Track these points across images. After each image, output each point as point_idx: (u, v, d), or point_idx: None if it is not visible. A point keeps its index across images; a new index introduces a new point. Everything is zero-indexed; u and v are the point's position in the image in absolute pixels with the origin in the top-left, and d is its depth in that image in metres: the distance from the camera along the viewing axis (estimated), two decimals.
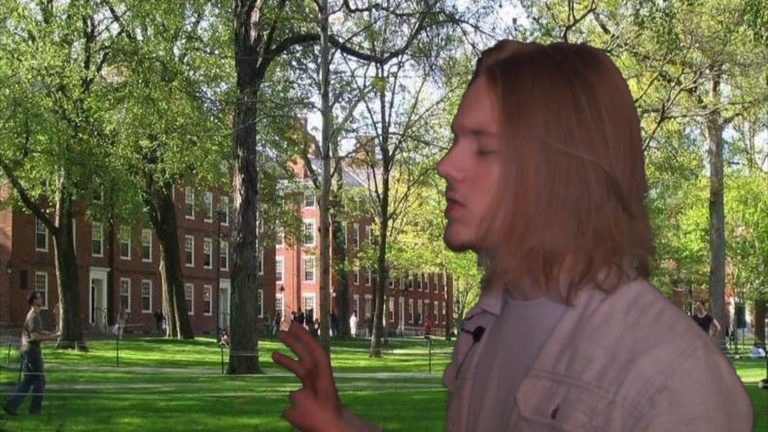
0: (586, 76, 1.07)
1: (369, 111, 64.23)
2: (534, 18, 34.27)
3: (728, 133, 77.95)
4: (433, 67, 37.80)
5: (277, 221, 53.35)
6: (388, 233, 47.01)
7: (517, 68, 1.08)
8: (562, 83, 1.06)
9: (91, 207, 41.53)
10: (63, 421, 13.36)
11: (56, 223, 36.62)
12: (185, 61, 38.79)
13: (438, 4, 34.16)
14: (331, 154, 29.98)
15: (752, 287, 55.17)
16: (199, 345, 43.28)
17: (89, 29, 37.02)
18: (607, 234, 1.06)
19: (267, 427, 13.64)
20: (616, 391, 0.98)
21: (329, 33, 28.69)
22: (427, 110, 47.34)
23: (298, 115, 48.50)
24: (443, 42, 37.35)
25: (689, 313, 63.82)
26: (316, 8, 29.17)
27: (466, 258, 51.34)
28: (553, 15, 34.39)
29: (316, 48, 35.02)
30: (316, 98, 39.01)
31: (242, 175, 26.77)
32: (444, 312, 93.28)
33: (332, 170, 34.76)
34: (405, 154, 47.50)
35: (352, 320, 63.67)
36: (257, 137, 32.20)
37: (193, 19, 41.17)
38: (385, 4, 36.00)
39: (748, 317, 79.85)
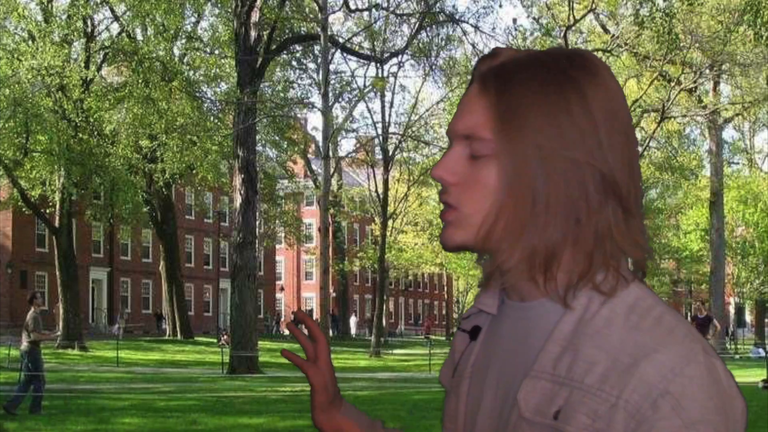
0: (577, 79, 1.09)
1: (369, 111, 64.28)
2: (534, 18, 34.31)
3: (728, 133, 78.02)
4: (433, 67, 37.82)
5: (277, 221, 53.35)
6: (388, 233, 47.01)
7: (509, 74, 1.10)
8: (553, 87, 1.08)
9: (91, 207, 41.52)
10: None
11: (56, 223, 36.62)
12: (185, 61, 38.78)
13: (438, 4, 34.18)
14: (331, 154, 29.99)
15: (752, 287, 55.17)
16: (199, 345, 43.27)
17: (89, 29, 37.01)
18: (607, 235, 1.07)
19: (267, 427, 13.65)
20: (619, 394, 0.99)
21: (329, 33, 28.70)
22: (427, 110, 47.34)
23: (298, 115, 48.53)
24: (443, 42, 37.36)
25: (689, 313, 64.02)
26: (316, 8, 29.17)
27: (466, 258, 51.35)
28: (553, 15, 34.41)
29: (316, 48, 35.02)
30: (316, 98, 39.05)
31: (242, 175, 26.77)
32: (444, 312, 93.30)
33: (332, 170, 34.78)
34: (405, 154, 47.49)
35: (352, 320, 63.67)
36: (257, 137, 32.20)
37: (193, 19, 41.20)
38: (385, 4, 36.03)
39: (748, 317, 79.86)
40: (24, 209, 37.62)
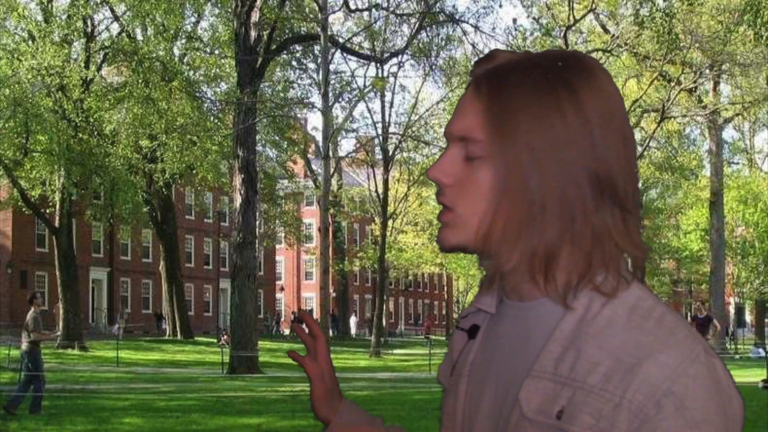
0: (571, 81, 1.10)
1: (369, 111, 64.30)
2: (534, 18, 34.32)
3: (728, 133, 78.05)
4: (433, 67, 37.81)
5: (277, 221, 53.36)
6: (388, 233, 47.00)
7: (502, 77, 1.12)
8: (546, 89, 1.09)
9: (91, 207, 41.52)
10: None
11: (56, 223, 36.61)
12: (185, 61, 38.77)
13: (438, 4, 34.18)
14: (331, 154, 29.99)
15: (752, 287, 55.17)
16: (199, 345, 43.27)
17: (89, 29, 37.00)
18: (605, 235, 1.09)
19: (267, 427, 13.65)
20: (623, 394, 1.01)
21: (329, 33, 28.70)
22: (427, 110, 47.33)
23: (298, 115, 48.53)
24: (443, 42, 37.34)
25: (689, 313, 63.98)
26: (316, 8, 29.18)
27: (466, 258, 51.36)
28: (553, 15, 34.42)
29: (316, 48, 35.03)
30: (316, 98, 39.06)
31: (242, 175, 26.76)
32: (444, 312, 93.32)
33: (332, 170, 34.78)
34: (405, 154, 47.48)
35: (352, 320, 63.66)
36: (257, 137, 32.19)
37: (193, 19, 41.19)
38: (385, 4, 36.03)
39: (748, 317, 79.85)
40: (24, 209, 37.61)
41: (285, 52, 35.26)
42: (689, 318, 43.52)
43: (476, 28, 36.48)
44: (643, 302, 1.08)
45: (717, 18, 33.87)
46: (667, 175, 46.00)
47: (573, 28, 34.22)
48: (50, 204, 37.30)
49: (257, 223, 32.71)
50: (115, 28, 38.93)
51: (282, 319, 69.98)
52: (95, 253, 55.97)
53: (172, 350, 39.74)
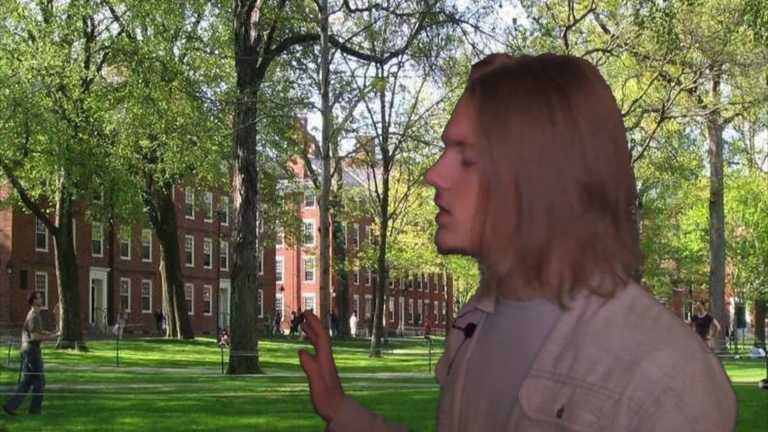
0: (564, 87, 1.11)
1: (369, 111, 64.33)
2: (534, 18, 34.33)
3: (728, 133, 78.05)
4: (433, 67, 37.80)
5: (277, 221, 53.36)
6: (388, 233, 47.00)
7: (496, 82, 1.13)
8: (538, 95, 1.10)
9: (91, 207, 41.52)
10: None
11: (56, 223, 36.61)
12: (185, 61, 38.77)
13: (438, 4, 34.18)
14: (331, 154, 30.00)
15: (752, 287, 55.17)
16: (199, 345, 43.27)
17: (89, 29, 37.00)
18: (591, 241, 1.11)
19: (267, 427, 13.65)
20: (622, 391, 1.02)
21: (329, 33, 28.71)
22: (427, 110, 47.31)
23: (298, 115, 48.54)
24: (443, 42, 37.33)
25: (689, 313, 63.86)
26: (316, 8, 29.19)
27: (466, 258, 51.20)
28: (553, 15, 34.42)
29: (316, 48, 35.03)
30: (316, 98, 39.07)
31: (242, 175, 26.77)
32: (444, 312, 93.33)
33: (332, 170, 34.79)
34: (405, 154, 47.46)
35: (352, 320, 63.66)
36: (257, 137, 32.19)
37: (193, 19, 41.19)
38: (385, 4, 36.03)
39: (748, 317, 79.87)
40: (24, 209, 37.61)
41: (285, 52, 35.27)
42: (689, 318, 43.51)
43: (476, 28, 36.43)
44: (640, 302, 1.10)
45: (717, 18, 33.87)
46: (667, 175, 46.01)
47: (573, 28, 34.22)
48: (50, 204, 37.30)
49: (257, 223, 32.71)
50: (115, 28, 38.98)
51: (282, 319, 69.97)
52: (95, 253, 55.97)
53: (172, 350, 39.74)
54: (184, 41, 39.26)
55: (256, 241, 28.74)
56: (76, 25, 34.98)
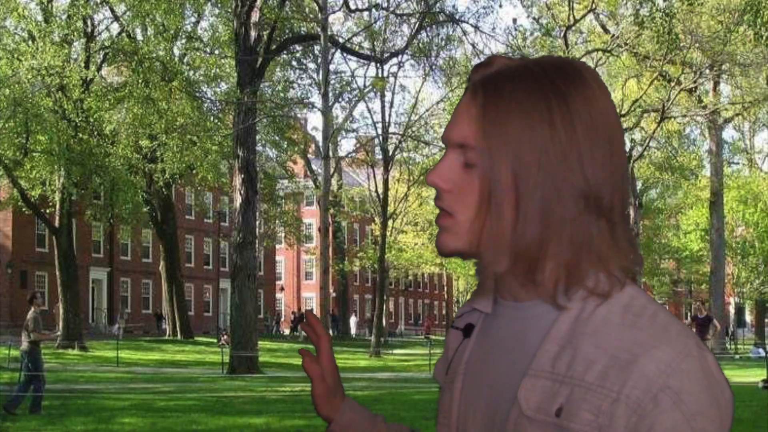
0: (563, 91, 1.11)
1: (369, 111, 64.33)
2: (534, 18, 34.34)
3: (728, 133, 78.10)
4: (433, 67, 37.80)
5: (277, 221, 53.37)
6: (388, 233, 47.00)
7: (497, 84, 1.14)
8: (538, 99, 1.11)
9: (91, 207, 41.52)
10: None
11: (56, 223, 36.60)
12: (185, 61, 38.77)
13: (438, 4, 34.18)
14: (331, 154, 30.00)
15: (752, 287, 55.17)
16: (199, 345, 43.27)
17: (89, 29, 36.99)
18: (586, 243, 1.11)
19: (267, 427, 13.65)
20: (620, 390, 1.03)
21: (329, 33, 28.71)
22: (427, 110, 47.30)
23: (298, 115, 48.54)
24: (443, 42, 37.32)
25: (689, 313, 63.83)
26: (316, 8, 29.19)
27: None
28: (553, 15, 34.43)
29: (316, 48, 35.03)
30: (316, 98, 39.08)
31: (242, 175, 26.77)
32: (444, 312, 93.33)
33: (332, 170, 34.79)
34: (405, 154, 47.46)
35: (352, 320, 63.66)
36: (257, 137, 32.19)
37: (193, 19, 41.19)
38: (385, 4, 36.03)
39: (748, 317, 79.87)
40: (24, 209, 37.61)
41: (285, 52, 35.26)
42: (689, 318, 43.49)
43: (476, 28, 36.44)
44: (636, 301, 1.11)
45: (717, 18, 33.87)
46: (667, 175, 46.01)
47: (573, 28, 34.23)
48: (50, 204, 37.30)
49: (257, 223, 32.71)
50: (115, 28, 38.98)
51: (282, 319, 69.98)
52: (95, 253, 55.97)
53: (172, 350, 39.74)
54: (184, 41, 39.26)
55: (256, 241, 28.74)
56: (76, 25, 34.98)
